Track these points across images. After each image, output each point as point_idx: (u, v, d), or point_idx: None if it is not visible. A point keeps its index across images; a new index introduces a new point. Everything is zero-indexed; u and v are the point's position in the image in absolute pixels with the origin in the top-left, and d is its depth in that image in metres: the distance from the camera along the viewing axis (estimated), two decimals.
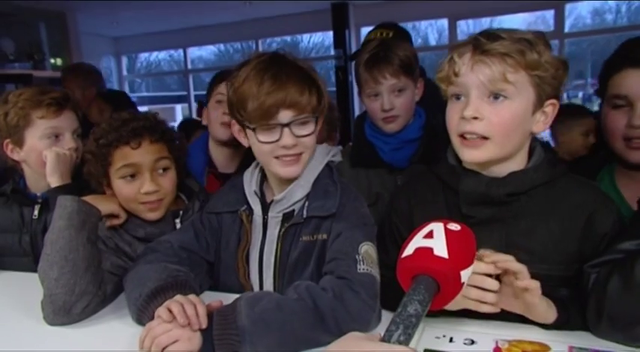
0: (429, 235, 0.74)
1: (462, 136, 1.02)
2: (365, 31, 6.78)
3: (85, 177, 1.36)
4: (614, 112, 1.27)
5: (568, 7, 6.69)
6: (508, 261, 0.89)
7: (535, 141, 1.10)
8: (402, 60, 1.49)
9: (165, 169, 1.33)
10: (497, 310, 0.92)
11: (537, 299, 0.92)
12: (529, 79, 0.99)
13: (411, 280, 0.72)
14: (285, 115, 1.08)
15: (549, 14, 6.28)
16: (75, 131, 1.53)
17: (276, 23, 7.13)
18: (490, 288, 0.90)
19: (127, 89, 9.12)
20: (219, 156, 1.79)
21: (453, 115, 1.03)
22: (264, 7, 6.35)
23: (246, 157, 1.25)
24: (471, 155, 1.03)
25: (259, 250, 1.18)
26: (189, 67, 8.54)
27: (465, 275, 0.72)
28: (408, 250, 0.74)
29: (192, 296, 0.98)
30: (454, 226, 0.76)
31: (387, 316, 1.07)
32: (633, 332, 0.90)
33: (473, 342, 0.97)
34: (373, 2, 6.29)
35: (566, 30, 6.34)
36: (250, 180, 1.24)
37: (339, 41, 6.48)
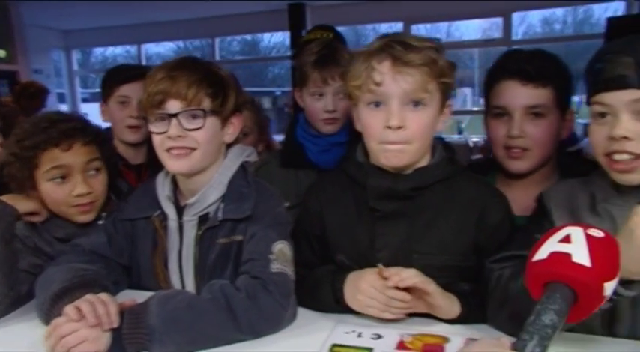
0: (566, 239, 0.67)
1: (385, 143, 1.07)
2: None
3: (5, 179, 1.30)
4: (495, 121, 1.32)
5: (521, 15, 6.96)
6: (409, 279, 0.99)
7: (436, 141, 1.17)
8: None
9: (97, 170, 1.30)
10: (403, 316, 1.02)
11: (439, 300, 1.01)
12: (438, 85, 1.06)
13: (542, 287, 0.66)
14: (173, 105, 1.10)
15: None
16: None
17: (233, 22, 7.09)
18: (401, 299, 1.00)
19: (78, 84, 8.85)
20: (125, 151, 1.77)
21: (377, 124, 1.06)
22: (221, 5, 6.30)
23: (151, 147, 1.25)
24: (395, 161, 1.08)
25: (178, 254, 1.18)
26: (144, 63, 8.37)
27: (608, 287, 0.65)
28: (541, 254, 0.67)
29: (103, 295, 0.98)
30: (596, 232, 0.68)
31: (303, 312, 1.12)
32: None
33: (380, 337, 1.02)
34: (330, 3, 6.34)
35: (519, 37, 6.59)
36: (163, 185, 1.23)
37: (296, 41, 6.50)
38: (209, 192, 1.16)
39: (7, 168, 1.28)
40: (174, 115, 1.10)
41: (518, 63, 1.27)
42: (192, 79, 1.10)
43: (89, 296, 0.96)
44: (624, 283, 0.79)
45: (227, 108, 1.16)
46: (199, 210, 1.17)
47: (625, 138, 0.88)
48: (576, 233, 0.68)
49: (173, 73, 1.10)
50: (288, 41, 6.60)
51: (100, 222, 1.29)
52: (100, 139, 1.32)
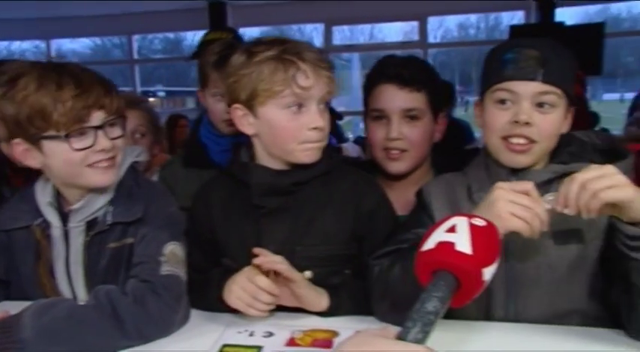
0: (452, 229, 0.70)
1: (308, 142, 1.10)
2: (243, 31, 6.77)
3: None
4: (374, 124, 1.37)
5: (438, 19, 7.28)
6: (273, 263, 1.02)
7: None
8: None
9: None
10: (266, 315, 1.04)
11: (304, 290, 1.05)
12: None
13: (430, 275, 0.68)
14: (96, 117, 1.05)
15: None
16: None
17: (152, 19, 6.84)
18: (270, 292, 1.02)
19: None
20: None
21: (301, 126, 1.09)
22: (139, 1, 6.06)
23: None
24: (313, 157, 1.11)
25: (65, 262, 1.12)
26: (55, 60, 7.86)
27: (487, 272, 0.68)
28: (429, 244, 0.69)
29: None
30: (479, 221, 0.72)
31: (197, 314, 1.11)
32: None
33: (271, 334, 1.03)
34: (251, 2, 6.29)
35: (438, 40, 6.89)
36: (43, 191, 1.15)
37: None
38: (96, 195, 1.12)
39: None
40: (100, 127, 1.04)
41: (395, 68, 1.33)
42: (103, 86, 1.06)
43: None
44: None
45: (122, 111, 1.12)
46: (86, 215, 1.12)
47: (527, 124, 0.97)
48: (461, 223, 0.71)
49: (83, 83, 1.03)
50: None
51: None
52: None
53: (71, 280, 1.13)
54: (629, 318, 0.94)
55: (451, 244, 0.68)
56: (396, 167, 1.36)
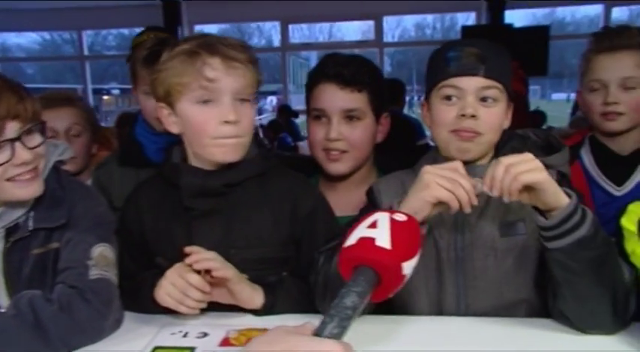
0: (373, 225, 0.70)
1: (220, 138, 1.07)
2: (199, 28, 6.67)
3: None
4: (314, 124, 1.35)
5: (396, 19, 7.39)
6: (205, 261, 1.00)
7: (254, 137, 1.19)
8: None
9: None
10: (196, 312, 1.02)
11: (238, 286, 1.03)
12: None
13: (352, 271, 0.68)
14: (11, 128, 0.96)
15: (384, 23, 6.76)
16: None
17: (103, 14, 6.64)
18: (201, 288, 1.00)
19: None
20: None
21: (212, 119, 1.06)
22: None
23: None
24: (230, 155, 1.09)
25: None
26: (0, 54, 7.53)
27: (407, 267, 0.69)
28: (351, 240, 0.70)
29: None
30: (400, 216, 0.73)
31: (131, 316, 1.08)
32: None
33: (205, 335, 1.02)
34: (208, 1, 6.20)
35: (396, 40, 6.98)
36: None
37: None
38: (16, 201, 1.04)
39: None
40: (17, 139, 0.96)
41: (335, 67, 1.30)
42: (15, 92, 0.96)
43: None
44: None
45: (39, 114, 1.03)
46: (6, 222, 1.04)
47: (473, 116, 1.01)
48: (382, 218, 0.72)
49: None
50: None
51: None
52: None
53: None
54: (553, 305, 0.99)
55: (371, 240, 0.68)
56: (335, 168, 1.34)
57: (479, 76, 1.02)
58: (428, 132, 3.36)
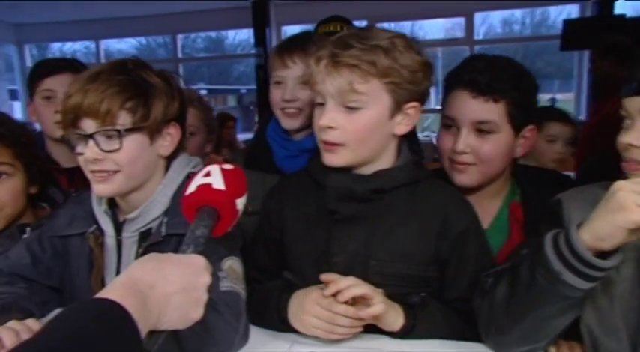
0: (208, 175, 0.82)
1: (323, 142, 1.04)
2: (286, 29, 6.77)
3: None
4: (444, 131, 1.24)
5: (482, 15, 7.06)
6: (355, 288, 0.94)
7: (403, 143, 1.11)
8: None
9: (3, 175, 1.19)
10: (350, 336, 0.97)
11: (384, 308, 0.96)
12: (382, 86, 0.99)
13: (195, 213, 0.79)
14: (88, 125, 0.99)
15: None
16: None
17: (196, 18, 6.93)
18: (351, 316, 0.95)
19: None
20: (58, 153, 1.65)
21: (316, 122, 1.04)
22: (182, 1, 6.15)
23: None
24: (329, 160, 1.04)
25: (116, 273, 1.08)
26: (104, 60, 8.10)
27: (239, 203, 0.82)
28: (191, 188, 0.80)
29: (30, 321, 0.89)
30: (228, 166, 0.85)
31: (254, 332, 1.04)
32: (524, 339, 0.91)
33: None
34: (295, 2, 6.28)
35: (481, 37, 6.69)
36: (99, 198, 1.11)
37: (260, 39, 6.41)
38: (151, 206, 1.07)
39: None
40: (91, 136, 0.99)
41: (471, 72, 1.16)
42: (106, 93, 0.98)
43: (13, 324, 0.87)
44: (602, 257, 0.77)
45: (154, 120, 1.03)
46: (141, 225, 1.07)
47: None
48: (214, 169, 0.83)
49: (87, 86, 0.98)
50: (252, 39, 6.50)
51: (25, 236, 1.18)
52: (10, 140, 1.21)
53: None
54: None
55: (209, 185, 0.80)
56: (460, 179, 1.21)
57: None
58: None
